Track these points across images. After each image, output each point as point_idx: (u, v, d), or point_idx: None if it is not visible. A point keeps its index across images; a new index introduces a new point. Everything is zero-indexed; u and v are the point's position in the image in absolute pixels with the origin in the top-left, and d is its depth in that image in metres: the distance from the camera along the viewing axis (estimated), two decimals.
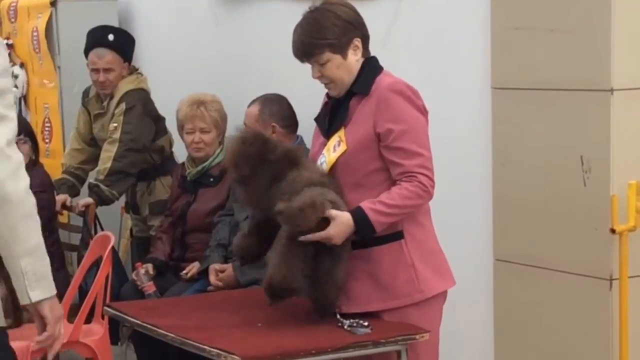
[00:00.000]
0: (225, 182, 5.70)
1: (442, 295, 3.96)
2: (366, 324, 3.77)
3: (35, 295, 3.08)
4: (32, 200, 3.15)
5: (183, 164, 5.94)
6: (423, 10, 4.99)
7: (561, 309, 4.52)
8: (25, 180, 3.15)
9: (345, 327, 3.77)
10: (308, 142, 5.33)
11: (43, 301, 3.11)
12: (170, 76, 6.59)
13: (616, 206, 4.27)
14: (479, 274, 4.83)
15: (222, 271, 5.33)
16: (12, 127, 3.14)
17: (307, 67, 5.57)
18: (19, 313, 5.57)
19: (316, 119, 4.05)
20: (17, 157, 3.12)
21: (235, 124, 5.66)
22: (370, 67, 3.90)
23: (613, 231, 4.26)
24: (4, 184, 3.06)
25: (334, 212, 3.73)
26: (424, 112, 3.86)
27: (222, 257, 5.44)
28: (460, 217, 4.60)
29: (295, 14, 5.71)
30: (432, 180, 3.79)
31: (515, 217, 4.67)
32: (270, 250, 3.87)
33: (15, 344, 5.16)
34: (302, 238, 3.72)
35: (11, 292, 5.53)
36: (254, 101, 5.53)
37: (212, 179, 5.77)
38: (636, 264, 4.28)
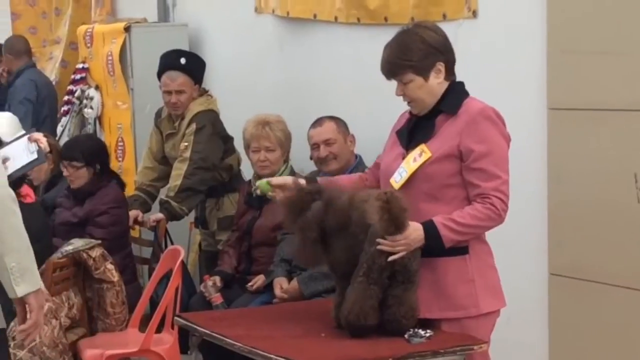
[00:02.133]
0: None
1: (496, 312, 3.96)
2: (424, 333, 3.75)
3: (20, 290, 3.07)
4: (10, 196, 3.06)
5: (249, 181, 5.96)
6: (481, 35, 4.99)
7: (615, 322, 4.48)
8: (2, 178, 3.06)
9: (405, 336, 3.75)
10: (366, 159, 5.35)
11: (29, 294, 3.09)
12: (238, 97, 6.63)
13: None
14: (534, 287, 4.80)
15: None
16: None
17: (364, 89, 5.64)
18: (92, 323, 5.63)
19: (397, 132, 4.03)
20: None
21: (298, 142, 5.69)
22: (459, 90, 3.91)
23: None
24: None
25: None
26: (507, 139, 3.86)
27: (286, 272, 5.45)
28: (516, 232, 4.56)
29: (353, 38, 5.79)
30: (506, 205, 3.77)
31: (570, 232, 4.64)
32: (349, 287, 3.81)
33: (88, 352, 5.25)
34: (382, 241, 3.69)
35: (86, 302, 5.61)
36: (320, 119, 5.55)
37: None
38: None
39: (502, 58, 4.92)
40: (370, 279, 3.73)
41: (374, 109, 5.55)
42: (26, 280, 3.07)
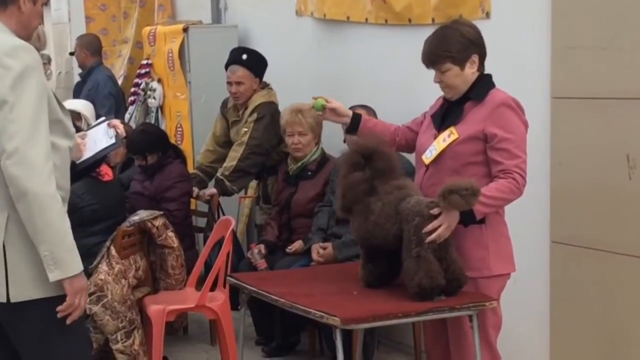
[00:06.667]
0: (321, 174, 5.71)
1: (507, 275, 3.94)
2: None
3: (53, 276, 3.04)
4: (49, 194, 3.00)
5: (287, 162, 5.94)
6: (494, 33, 4.91)
7: (608, 284, 4.46)
8: (41, 177, 2.99)
9: None
10: None
11: (62, 280, 3.05)
12: (281, 89, 6.54)
13: None
14: (538, 253, 4.79)
15: (324, 248, 5.34)
16: (28, 128, 2.99)
17: (389, 81, 5.61)
18: (156, 282, 5.67)
19: (432, 115, 4.02)
20: (34, 160, 2.99)
21: (332, 127, 5.67)
22: (486, 81, 3.90)
23: None
24: (20, 182, 2.97)
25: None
26: (525, 125, 3.86)
27: (322, 239, 5.46)
28: (523, 206, 4.53)
29: (381, 37, 5.76)
30: (525, 180, 3.76)
31: (570, 206, 4.62)
32: (405, 260, 3.71)
33: (152, 307, 5.28)
34: (428, 228, 3.63)
35: (150, 265, 5.65)
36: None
37: (310, 173, 5.78)
38: None
39: (512, 53, 4.88)
40: (424, 248, 3.65)
41: (398, 98, 5.54)
42: (60, 267, 3.03)
